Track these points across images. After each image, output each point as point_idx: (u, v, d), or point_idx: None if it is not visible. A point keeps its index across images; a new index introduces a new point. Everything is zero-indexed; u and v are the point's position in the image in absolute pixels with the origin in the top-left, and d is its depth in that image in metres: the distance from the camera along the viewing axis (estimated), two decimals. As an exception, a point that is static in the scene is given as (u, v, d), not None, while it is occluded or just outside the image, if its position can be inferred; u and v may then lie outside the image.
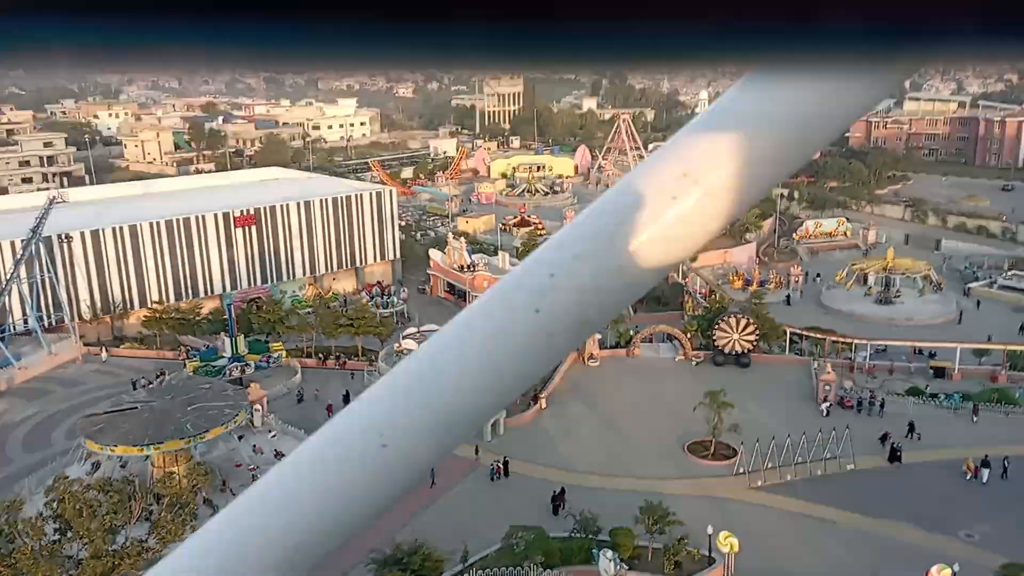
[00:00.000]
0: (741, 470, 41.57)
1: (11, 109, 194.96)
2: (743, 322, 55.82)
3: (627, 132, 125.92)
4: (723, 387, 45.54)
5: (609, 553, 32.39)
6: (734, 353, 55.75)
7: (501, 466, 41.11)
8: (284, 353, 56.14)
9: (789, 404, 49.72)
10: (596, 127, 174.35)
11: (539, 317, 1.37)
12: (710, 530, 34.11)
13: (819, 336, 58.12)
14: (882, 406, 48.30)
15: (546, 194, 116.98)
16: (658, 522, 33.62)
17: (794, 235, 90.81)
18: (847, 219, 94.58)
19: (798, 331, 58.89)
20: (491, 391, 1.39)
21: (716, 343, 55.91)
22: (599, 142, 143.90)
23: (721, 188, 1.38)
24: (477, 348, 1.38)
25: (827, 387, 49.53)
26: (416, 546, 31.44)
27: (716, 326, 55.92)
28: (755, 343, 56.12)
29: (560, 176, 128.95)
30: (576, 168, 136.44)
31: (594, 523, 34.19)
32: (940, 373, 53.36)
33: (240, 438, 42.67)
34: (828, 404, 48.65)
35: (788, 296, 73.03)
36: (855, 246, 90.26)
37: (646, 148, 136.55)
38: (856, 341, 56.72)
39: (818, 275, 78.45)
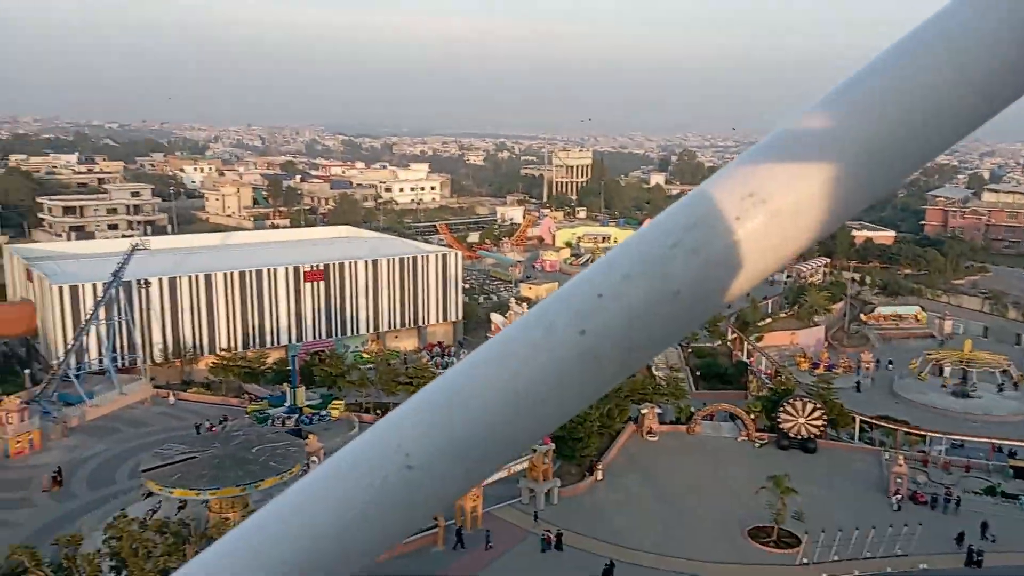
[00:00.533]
0: (805, 561, 39.70)
1: (103, 159, 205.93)
2: (810, 406, 54.15)
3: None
4: (787, 471, 44.10)
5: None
6: (800, 437, 53.96)
7: (554, 537, 40.17)
8: (333, 413, 56.44)
9: (857, 495, 47.60)
10: (664, 201, 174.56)
11: (585, 339, 1.27)
12: (770, 622, 32.50)
13: (891, 426, 55.92)
14: (958, 503, 45.86)
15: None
16: (715, 609, 32.22)
17: (863, 318, 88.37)
18: (922, 308, 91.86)
19: (868, 419, 56.80)
20: (530, 416, 1.29)
21: (781, 426, 54.24)
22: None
23: (791, 211, 1.27)
24: (516, 368, 1.29)
25: (899, 480, 47.31)
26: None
27: (782, 408, 54.33)
28: (822, 429, 54.29)
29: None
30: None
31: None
32: (1021, 473, 50.57)
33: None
34: (899, 498, 46.42)
35: (858, 383, 70.72)
36: (930, 335, 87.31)
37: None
38: (931, 434, 54.35)
39: (890, 362, 75.96)
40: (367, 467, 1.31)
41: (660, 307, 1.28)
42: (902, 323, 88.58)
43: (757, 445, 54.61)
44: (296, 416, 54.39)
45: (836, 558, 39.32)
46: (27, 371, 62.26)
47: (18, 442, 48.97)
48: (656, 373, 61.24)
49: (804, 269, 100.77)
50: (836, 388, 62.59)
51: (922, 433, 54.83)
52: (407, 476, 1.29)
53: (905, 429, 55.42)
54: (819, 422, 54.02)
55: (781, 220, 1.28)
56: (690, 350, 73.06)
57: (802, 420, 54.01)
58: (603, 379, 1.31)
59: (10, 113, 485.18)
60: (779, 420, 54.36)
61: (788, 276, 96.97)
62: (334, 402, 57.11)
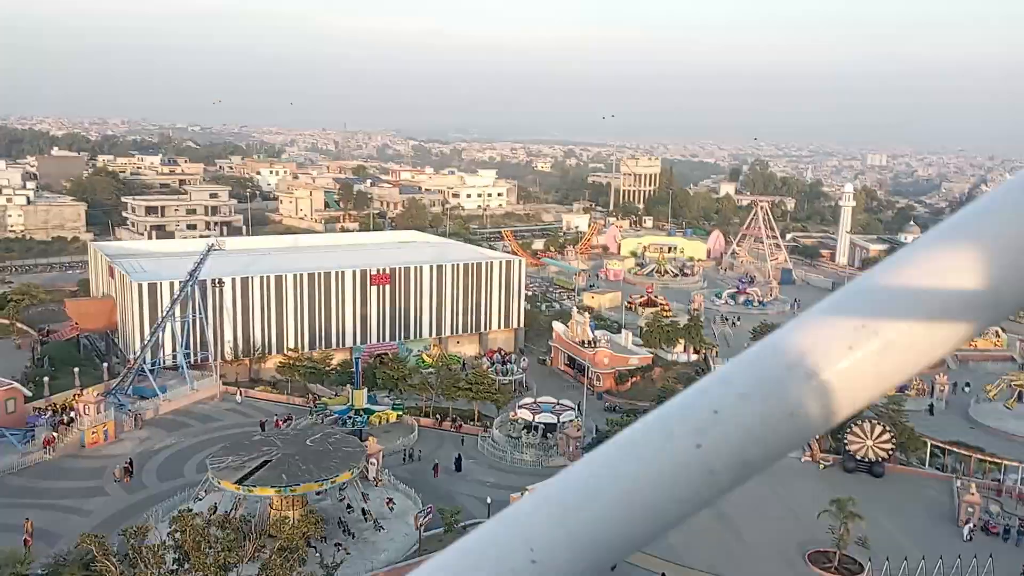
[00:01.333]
0: (867, 588, 38.52)
1: (185, 161, 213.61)
2: (879, 428, 52.50)
3: (764, 220, 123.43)
4: (852, 495, 42.85)
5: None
6: (866, 460, 52.37)
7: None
8: (382, 418, 56.78)
9: (926, 523, 45.94)
10: (732, 212, 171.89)
11: (700, 452, 1.35)
12: (827, 650, 31.63)
13: (965, 452, 53.78)
14: (1021, 533, 43.86)
15: (675, 276, 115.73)
16: (770, 633, 31.52)
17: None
18: (1002, 329, 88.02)
19: (940, 444, 54.75)
20: (648, 517, 1.36)
21: (847, 447, 52.76)
22: (734, 228, 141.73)
23: (902, 343, 1.33)
24: (634, 474, 1.36)
25: (970, 509, 45.50)
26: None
27: (848, 430, 52.79)
28: (891, 452, 52.59)
29: (691, 259, 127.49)
30: (708, 252, 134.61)
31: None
32: (1104, 507, 47.98)
33: (342, 489, 43.35)
34: (971, 528, 44.62)
35: (931, 405, 68.21)
36: (1010, 358, 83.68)
37: (783, 237, 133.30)
38: (1007, 462, 52.05)
39: (967, 385, 73.05)
40: (496, 558, 1.35)
41: (775, 426, 1.34)
42: (980, 345, 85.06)
43: (821, 466, 53.22)
44: (354, 418, 55.39)
45: (900, 587, 38.01)
46: (105, 364, 64.96)
47: (94, 432, 51.17)
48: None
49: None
50: (907, 410, 60.57)
51: (997, 461, 52.55)
52: (532, 569, 1.33)
53: (979, 456, 53.23)
54: (887, 445, 52.35)
55: (893, 351, 1.33)
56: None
57: (870, 442, 52.42)
58: (717, 489, 1.36)
59: (100, 115, 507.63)
60: (846, 442, 52.90)
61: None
62: (382, 411, 57.27)
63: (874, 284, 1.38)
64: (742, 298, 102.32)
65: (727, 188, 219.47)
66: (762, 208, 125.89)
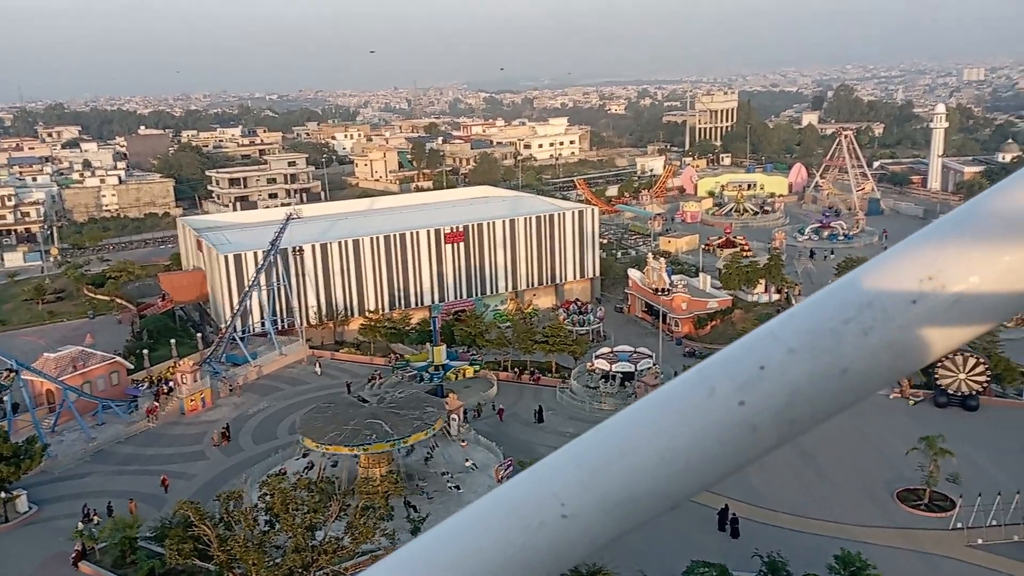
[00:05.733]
0: (959, 525, 37.52)
1: (264, 131, 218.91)
2: (972, 360, 50.49)
3: (849, 149, 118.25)
4: (943, 431, 41.62)
5: (797, 601, 30.56)
6: (959, 394, 50.56)
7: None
8: (459, 374, 57.17)
9: (1022, 456, 44.23)
10: (815, 143, 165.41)
11: (743, 410, 1.29)
12: (915, 589, 31.20)
13: (1066, 381, 51.22)
14: None
15: (755, 214, 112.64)
16: (856, 573, 31.24)
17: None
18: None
19: (1040, 374, 52.24)
20: (684, 476, 1.33)
21: (938, 382, 50.99)
22: (817, 159, 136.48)
23: (971, 298, 1.24)
24: (672, 430, 1.33)
25: (1072, 440, 43.54)
26: (595, 568, 31.45)
27: (939, 363, 50.93)
28: (985, 384, 50.57)
29: (772, 195, 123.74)
30: (790, 187, 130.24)
31: (783, 568, 32.39)
32: None
33: (433, 447, 44.67)
34: (1073, 460, 42.73)
35: (1031, 333, 64.97)
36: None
37: (870, 166, 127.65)
38: (1113, 389, 49.36)
39: None
40: (524, 511, 1.37)
41: (825, 384, 1.27)
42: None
43: (911, 403, 51.71)
44: (432, 374, 56.68)
45: (994, 523, 36.92)
46: (199, 334, 68.22)
47: (192, 400, 54.09)
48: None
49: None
50: (1006, 340, 57.93)
51: (1104, 389, 49.87)
52: (563, 524, 1.34)
53: (1083, 385, 50.60)
54: (981, 377, 50.35)
55: (960, 306, 1.24)
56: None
57: (962, 376, 50.54)
58: (760, 448, 1.33)
59: (183, 91, 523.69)
60: (936, 376, 51.13)
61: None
62: (460, 367, 57.84)
63: (947, 230, 1.28)
64: (826, 232, 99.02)
65: (809, 118, 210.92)
66: (846, 136, 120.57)
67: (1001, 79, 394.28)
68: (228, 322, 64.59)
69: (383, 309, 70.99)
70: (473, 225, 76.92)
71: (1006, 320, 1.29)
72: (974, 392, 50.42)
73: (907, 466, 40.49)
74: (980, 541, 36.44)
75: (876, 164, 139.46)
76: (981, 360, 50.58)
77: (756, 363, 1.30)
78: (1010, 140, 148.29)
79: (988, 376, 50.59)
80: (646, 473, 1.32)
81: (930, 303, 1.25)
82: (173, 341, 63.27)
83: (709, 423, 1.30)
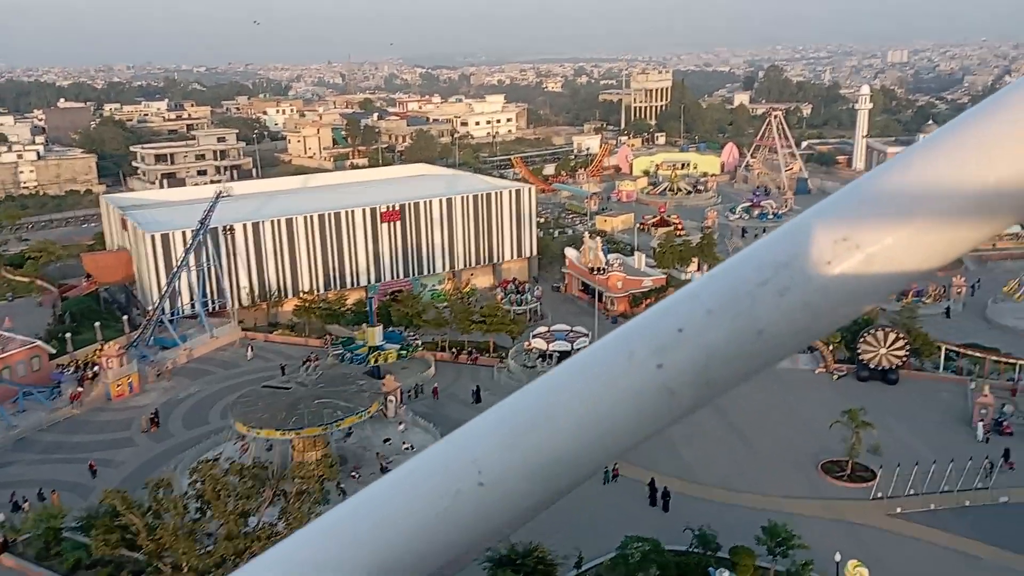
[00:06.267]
0: (879, 495, 39.18)
1: (192, 105, 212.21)
2: (892, 335, 52.51)
3: (779, 129, 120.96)
4: (865, 404, 43.32)
5: (726, 573, 31.51)
6: (880, 368, 52.58)
7: (616, 470, 40.69)
8: (386, 357, 56.57)
9: (939, 427, 46.36)
10: (747, 123, 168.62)
11: (661, 372, 1.28)
12: (838, 557, 32.50)
13: (979, 354, 53.74)
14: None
15: (689, 193, 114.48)
16: (782, 544, 32.36)
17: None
18: (1022, 224, 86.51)
19: (955, 347, 54.70)
20: (602, 441, 1.31)
21: (861, 357, 52.92)
22: (749, 139, 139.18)
23: (885, 257, 1.24)
24: (592, 395, 1.30)
25: (983, 410, 45.77)
26: (531, 547, 31.82)
27: (862, 338, 52.89)
28: (905, 359, 52.69)
29: (705, 174, 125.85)
30: (722, 166, 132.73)
31: (713, 540, 33.35)
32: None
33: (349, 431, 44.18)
34: (985, 428, 44.97)
35: (948, 308, 67.89)
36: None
37: (798, 146, 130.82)
38: (1022, 362, 52.00)
39: (976, 283, 72.01)
40: (441, 478, 1.32)
41: (741, 345, 1.26)
42: (1000, 242, 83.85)
43: (835, 377, 53.56)
44: (354, 356, 56.16)
45: (912, 492, 38.66)
46: (126, 317, 66.14)
47: (119, 385, 52.53)
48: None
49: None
50: (924, 315, 60.39)
51: (1012, 361, 52.50)
52: (480, 492, 1.30)
53: (994, 357, 53.18)
54: (901, 352, 52.43)
55: (874, 266, 1.25)
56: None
57: (883, 350, 52.53)
58: (678, 411, 1.31)
59: (105, 63, 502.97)
60: (859, 351, 53.03)
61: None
62: (387, 351, 56.87)
63: (860, 194, 1.29)
64: (756, 212, 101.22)
65: (741, 98, 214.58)
66: (776, 116, 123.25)
67: (923, 61, 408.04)
68: (156, 304, 62.76)
69: (318, 290, 69.93)
70: (409, 204, 76.18)
71: (917, 281, 1.32)
72: (894, 366, 52.46)
73: (831, 438, 41.97)
74: (899, 510, 38.10)
75: (804, 144, 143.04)
76: (901, 335, 52.63)
77: (675, 325, 1.29)
78: (931, 121, 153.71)
79: (907, 351, 52.69)
80: (565, 438, 1.29)
81: (844, 264, 1.24)
82: (98, 324, 61.18)
83: (628, 387, 1.29)
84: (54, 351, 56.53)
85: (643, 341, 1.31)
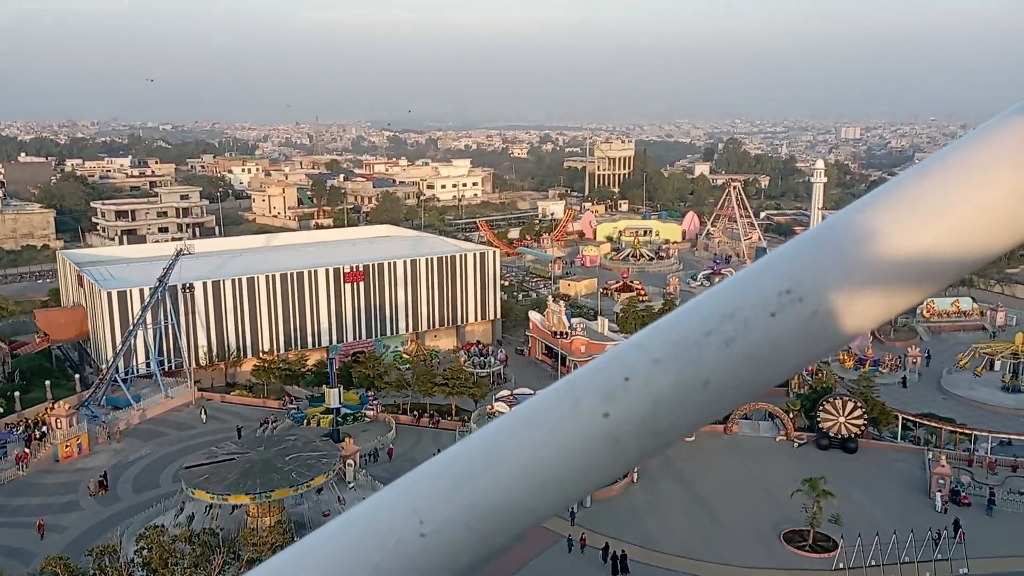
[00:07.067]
0: (841, 565, 39.11)
1: (156, 162, 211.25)
2: (850, 404, 53.15)
3: (737, 199, 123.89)
4: (826, 473, 43.49)
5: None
6: (840, 437, 53.02)
7: (583, 540, 40.18)
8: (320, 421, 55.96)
9: (898, 496, 46.66)
10: (707, 192, 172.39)
11: (607, 421, 1.26)
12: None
13: (935, 424, 54.53)
14: (991, 503, 44.72)
15: (651, 259, 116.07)
16: (745, 616, 31.95)
17: (919, 312, 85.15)
18: (974, 298, 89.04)
19: (912, 417, 55.48)
20: (545, 490, 1.28)
21: (820, 425, 53.36)
22: (710, 208, 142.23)
23: (828, 311, 1.24)
24: (536, 442, 1.28)
25: (941, 480, 46.21)
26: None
27: (821, 407, 53.44)
28: (863, 428, 53.25)
29: (667, 241, 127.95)
30: (684, 234, 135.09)
31: (676, 611, 32.79)
32: (1073, 473, 48.87)
33: (319, 491, 43.27)
34: (943, 499, 45.31)
35: (904, 378, 69.04)
36: (982, 328, 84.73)
37: (757, 216, 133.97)
38: (977, 432, 52.86)
39: (926, 354, 72.95)
40: (381, 527, 1.27)
41: (688, 395, 1.27)
42: (953, 315, 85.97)
43: (796, 445, 53.84)
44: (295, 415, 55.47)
45: (873, 563, 38.61)
46: (78, 376, 64.34)
47: (67, 446, 50.77)
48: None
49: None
50: (881, 384, 61.31)
51: (968, 431, 53.34)
52: (421, 542, 1.26)
53: (949, 427, 53.99)
54: (859, 421, 53.01)
55: (817, 320, 1.24)
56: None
57: (842, 419, 53.06)
58: (623, 460, 1.29)
59: (69, 118, 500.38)
60: (818, 419, 53.50)
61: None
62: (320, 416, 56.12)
63: (804, 247, 1.29)
64: (717, 279, 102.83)
65: (701, 168, 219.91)
66: (735, 187, 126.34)
67: (876, 138, 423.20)
68: (109, 363, 61.25)
69: (278, 350, 68.94)
70: (373, 264, 76.07)
71: (861, 334, 1.31)
72: (853, 435, 52.96)
73: (793, 507, 41.95)
74: (860, 580, 37.98)
75: (763, 214, 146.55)
76: (858, 404, 53.30)
77: (622, 374, 1.28)
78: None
79: (865, 420, 53.31)
80: (510, 487, 1.27)
81: (788, 316, 1.24)
82: (48, 382, 59.40)
83: (573, 435, 1.27)
84: (1, 410, 54.67)
85: (589, 389, 1.29)
